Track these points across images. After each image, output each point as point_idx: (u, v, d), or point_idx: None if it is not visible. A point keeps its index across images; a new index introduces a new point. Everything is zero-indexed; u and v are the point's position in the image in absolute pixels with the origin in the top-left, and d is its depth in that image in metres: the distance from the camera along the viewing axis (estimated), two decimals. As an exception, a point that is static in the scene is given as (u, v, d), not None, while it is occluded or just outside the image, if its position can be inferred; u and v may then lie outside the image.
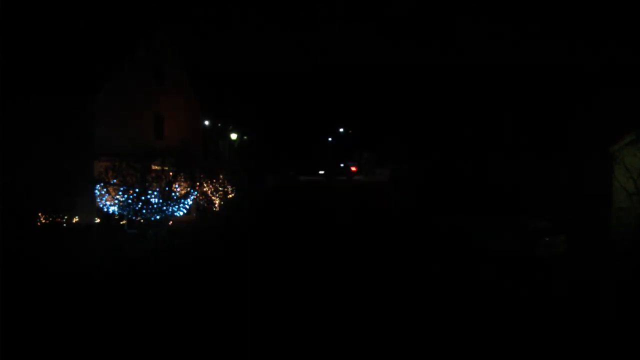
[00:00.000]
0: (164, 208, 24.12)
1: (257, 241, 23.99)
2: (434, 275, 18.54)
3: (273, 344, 12.05)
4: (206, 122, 37.51)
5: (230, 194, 33.52)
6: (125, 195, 23.55)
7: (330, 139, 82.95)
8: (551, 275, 18.66)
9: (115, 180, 23.88)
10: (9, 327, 12.37)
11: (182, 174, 25.76)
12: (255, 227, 27.80)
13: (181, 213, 25.31)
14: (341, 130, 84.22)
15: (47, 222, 24.16)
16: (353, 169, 67.50)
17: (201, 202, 31.47)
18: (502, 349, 12.06)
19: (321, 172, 67.56)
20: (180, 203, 24.85)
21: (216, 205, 32.24)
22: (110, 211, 24.44)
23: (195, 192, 27.30)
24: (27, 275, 17.19)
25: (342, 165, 70.58)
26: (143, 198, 23.57)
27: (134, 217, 24.24)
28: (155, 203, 23.81)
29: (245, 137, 41.42)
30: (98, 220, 25.27)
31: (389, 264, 19.93)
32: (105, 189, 23.95)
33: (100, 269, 18.29)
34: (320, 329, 12.97)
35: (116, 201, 23.84)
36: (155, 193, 23.97)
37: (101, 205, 24.47)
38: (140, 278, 17.53)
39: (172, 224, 25.61)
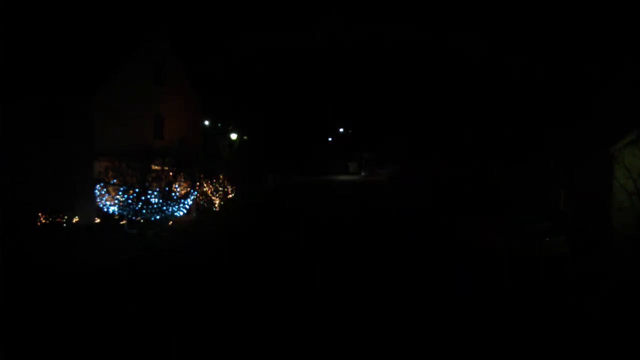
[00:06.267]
0: (164, 208, 24.12)
1: (258, 241, 23.99)
2: (433, 274, 18.54)
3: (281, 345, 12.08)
4: (206, 122, 37.47)
5: (230, 194, 33.51)
6: (125, 195, 23.55)
7: (330, 139, 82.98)
8: (551, 276, 18.66)
9: (115, 180, 23.88)
10: (10, 324, 12.38)
11: (182, 174, 25.77)
12: (256, 227, 27.80)
13: (181, 213, 25.31)
14: (341, 130, 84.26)
15: (47, 222, 24.13)
16: None
17: (201, 202, 31.45)
18: (496, 346, 12.07)
19: (323, 171, 67.81)
20: (180, 203, 24.84)
21: (216, 205, 32.23)
22: (110, 211, 24.44)
23: (195, 192, 27.30)
24: (27, 275, 17.18)
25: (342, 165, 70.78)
26: (143, 198, 23.57)
27: (134, 217, 24.23)
28: (155, 203, 23.81)
29: (245, 137, 41.37)
30: (98, 220, 25.27)
31: (391, 263, 19.92)
32: (105, 189, 23.95)
33: (100, 268, 18.29)
34: (318, 327, 12.99)
35: (116, 201, 23.83)
36: (155, 193, 23.97)
37: (101, 205, 24.47)
38: (141, 278, 17.52)
39: (172, 224, 25.61)
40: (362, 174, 73.79)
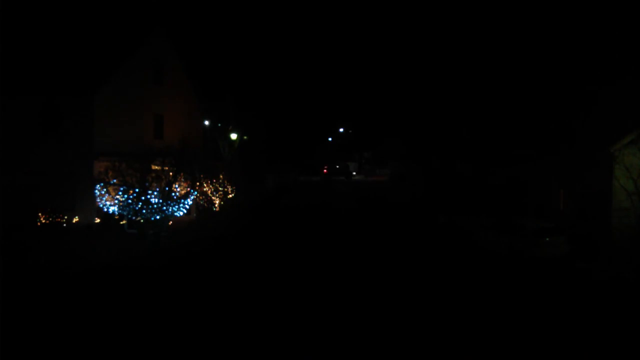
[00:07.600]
0: (164, 208, 24.09)
1: (257, 241, 23.99)
2: (433, 274, 18.54)
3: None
4: (206, 122, 37.45)
5: (230, 194, 33.49)
6: (125, 195, 23.53)
7: (330, 139, 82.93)
8: (550, 275, 18.66)
9: (115, 180, 23.87)
10: (11, 323, 12.39)
11: (182, 174, 25.76)
12: (256, 227, 27.79)
13: (181, 213, 25.29)
14: (341, 130, 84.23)
15: (47, 222, 24.16)
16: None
17: (201, 202, 31.45)
18: (495, 345, 12.07)
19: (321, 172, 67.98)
20: (180, 203, 24.82)
21: (216, 205, 32.22)
22: (110, 211, 24.43)
23: (195, 192, 27.28)
24: (27, 275, 17.19)
25: (342, 165, 70.79)
26: (143, 198, 23.54)
27: (134, 217, 24.23)
28: (155, 203, 23.78)
29: (245, 137, 41.30)
30: (98, 220, 25.28)
31: (389, 263, 19.92)
32: (105, 189, 23.93)
33: (100, 268, 18.29)
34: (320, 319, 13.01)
35: (116, 201, 23.81)
36: (155, 193, 23.95)
37: (101, 205, 24.46)
38: (140, 277, 17.51)
39: (172, 224, 25.61)
40: (361, 174, 73.73)
